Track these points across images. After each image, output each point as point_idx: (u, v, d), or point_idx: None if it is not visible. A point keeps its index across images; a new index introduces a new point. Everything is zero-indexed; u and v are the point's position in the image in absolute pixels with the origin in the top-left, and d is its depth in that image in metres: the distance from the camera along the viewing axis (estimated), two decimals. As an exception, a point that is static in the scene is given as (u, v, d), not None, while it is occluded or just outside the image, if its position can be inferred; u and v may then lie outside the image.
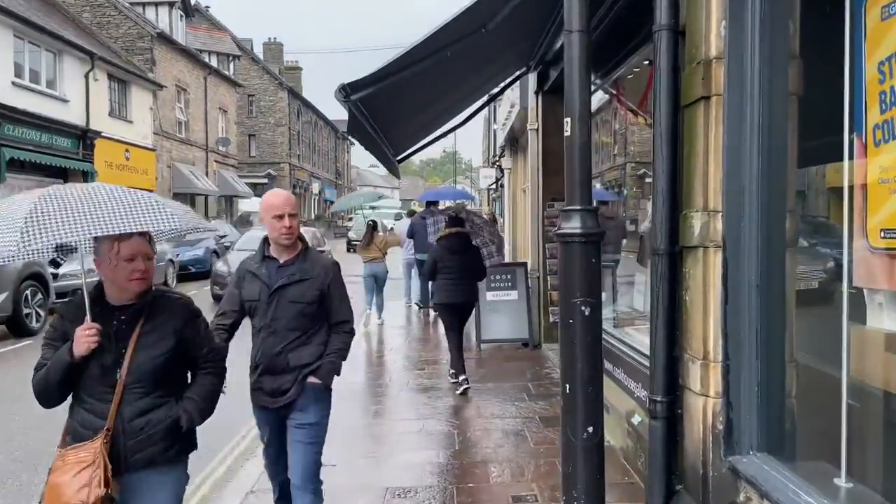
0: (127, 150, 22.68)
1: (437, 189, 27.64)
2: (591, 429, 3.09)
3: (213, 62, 32.76)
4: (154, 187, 24.87)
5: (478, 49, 5.43)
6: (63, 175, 19.36)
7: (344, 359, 3.41)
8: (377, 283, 10.98)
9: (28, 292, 9.40)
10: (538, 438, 5.40)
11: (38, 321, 9.73)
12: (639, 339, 4.81)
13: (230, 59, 35.19)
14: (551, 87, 8.19)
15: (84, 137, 19.76)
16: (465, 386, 6.68)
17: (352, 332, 3.46)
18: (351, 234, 28.25)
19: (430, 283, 7.69)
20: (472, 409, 6.22)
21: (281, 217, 3.22)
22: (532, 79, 8.94)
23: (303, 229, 3.98)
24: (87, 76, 19.99)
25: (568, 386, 3.15)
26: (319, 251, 3.96)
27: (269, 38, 54.25)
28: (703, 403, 3.03)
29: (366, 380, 7.56)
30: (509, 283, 9.16)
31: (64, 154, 18.74)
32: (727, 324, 2.87)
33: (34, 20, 17.18)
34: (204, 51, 32.54)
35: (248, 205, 35.16)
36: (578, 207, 3.35)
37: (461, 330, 7.05)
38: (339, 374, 3.40)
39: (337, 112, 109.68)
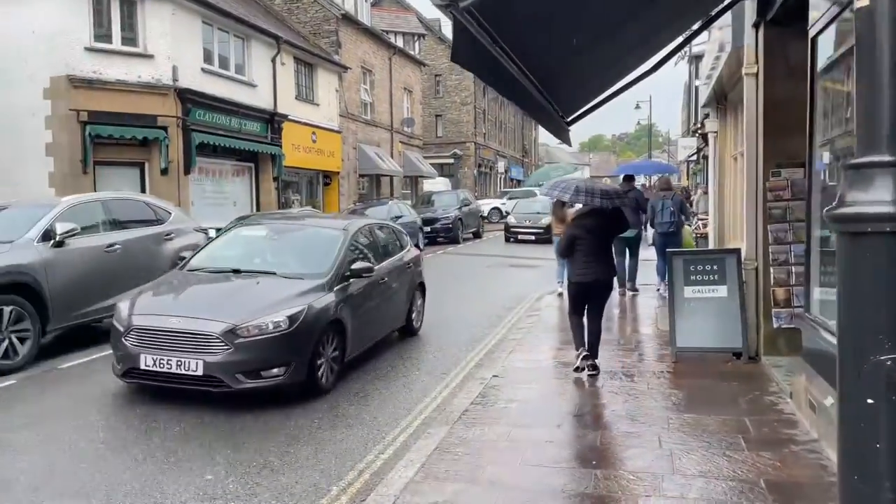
0: (313, 133, 23.08)
1: (634, 163, 25.02)
2: None
3: (399, 43, 32.79)
4: (340, 169, 25.25)
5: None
6: (253, 159, 20.01)
7: None
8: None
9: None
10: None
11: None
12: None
13: (415, 38, 35.06)
14: (780, 12, 6.01)
15: (272, 121, 20.22)
16: (585, 366, 6.52)
17: None
18: (510, 220, 23.83)
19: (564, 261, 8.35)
20: (662, 461, 4.47)
21: None
22: (749, 7, 6.76)
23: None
24: (273, 60, 20.41)
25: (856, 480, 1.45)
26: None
27: (457, 17, 53.96)
28: None
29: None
30: (715, 276, 7.12)
31: (253, 138, 19.27)
32: None
33: (221, 6, 17.64)
34: (389, 31, 32.67)
35: (432, 185, 35.04)
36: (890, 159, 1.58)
37: (598, 315, 6.71)
38: None
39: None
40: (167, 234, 8.87)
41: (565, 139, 6.74)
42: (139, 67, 15.62)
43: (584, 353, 6.51)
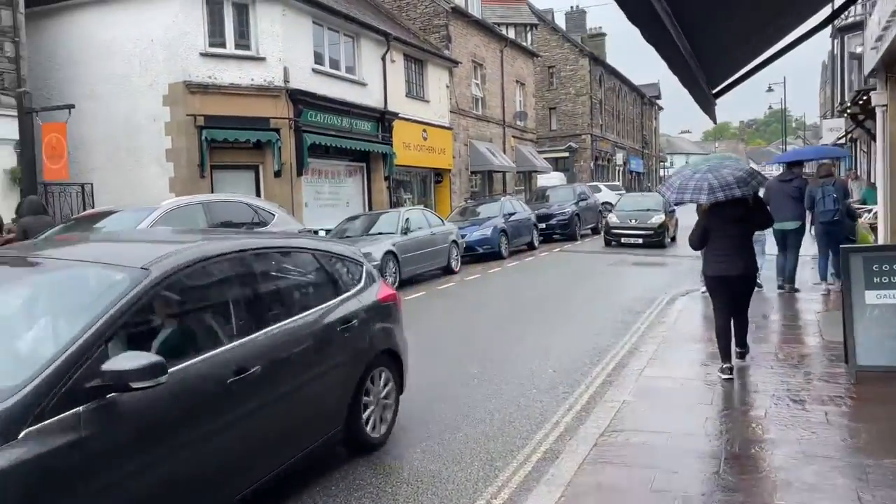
0: (424, 130, 22.66)
1: (800, 149, 22.51)
2: None
3: (510, 35, 31.83)
4: (451, 166, 24.70)
5: None
6: (364, 158, 19.82)
7: None
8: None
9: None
10: None
11: None
12: None
13: (527, 28, 33.95)
14: None
15: (382, 120, 19.94)
16: (728, 376, 6.01)
17: None
18: (612, 218, 19.40)
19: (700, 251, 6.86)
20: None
21: None
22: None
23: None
24: (383, 58, 20.12)
25: None
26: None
27: (571, 7, 52.24)
28: None
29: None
30: (907, 278, 5.73)
31: (364, 137, 19.05)
32: None
33: (331, 5, 17.49)
34: (500, 24, 31.79)
35: (546, 180, 33.82)
36: None
37: (743, 311, 6.31)
38: None
39: (644, 76, 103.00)
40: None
41: (711, 114, 5.62)
42: (252, 70, 15.69)
43: (729, 375, 6.02)
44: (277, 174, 15.88)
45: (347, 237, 12.83)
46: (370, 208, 19.64)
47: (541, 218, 21.19)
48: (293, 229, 8.98)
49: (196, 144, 14.91)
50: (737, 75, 5.26)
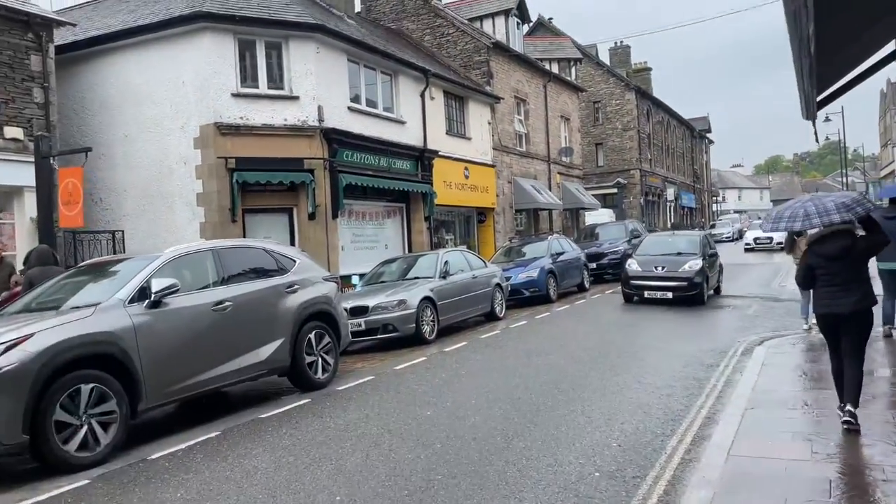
0: (466, 168, 21.83)
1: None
2: None
3: (554, 69, 31.09)
4: (494, 205, 23.76)
5: None
6: (404, 198, 19.03)
7: None
8: None
9: (312, 336, 7.79)
10: None
11: (324, 371, 8.07)
12: None
13: (571, 63, 33.17)
14: None
15: (422, 158, 19.20)
16: (848, 419, 5.38)
17: None
18: (632, 266, 15.13)
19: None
20: None
21: None
22: None
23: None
24: (422, 95, 19.48)
25: None
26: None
27: (616, 43, 51.44)
28: None
29: None
30: None
31: (403, 177, 18.29)
32: None
33: (367, 41, 16.95)
34: (543, 59, 31.10)
35: (595, 217, 32.57)
36: None
37: (856, 355, 5.59)
38: None
39: (691, 110, 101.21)
40: (289, 286, 7.59)
41: (812, 119, 4.53)
42: (285, 110, 15.14)
43: (847, 417, 5.42)
44: (312, 216, 15.16)
45: (381, 282, 11.90)
46: (410, 250, 18.78)
47: (591, 257, 19.98)
48: (315, 276, 8.07)
49: (227, 187, 14.33)
50: (848, 78, 4.19)
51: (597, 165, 42.31)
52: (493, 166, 23.72)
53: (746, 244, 32.52)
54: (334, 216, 15.72)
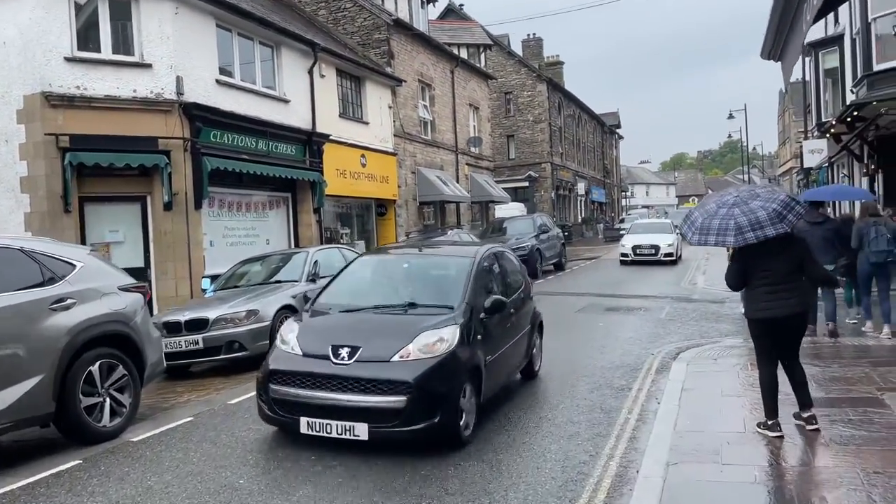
0: (363, 156, 19.86)
1: (822, 188, 19.99)
2: None
3: (462, 55, 29.50)
4: (396, 196, 21.93)
5: None
6: (290, 187, 16.89)
7: None
8: None
9: (95, 368, 5.71)
10: None
11: (114, 416, 5.83)
12: None
13: (481, 50, 31.71)
14: None
15: (310, 142, 17.10)
16: (779, 433, 5.14)
17: None
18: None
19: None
20: None
21: None
22: None
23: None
24: (310, 72, 17.36)
25: None
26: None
27: (528, 35, 50.45)
28: None
29: None
30: None
31: (287, 163, 16.12)
32: None
33: (241, 6, 14.70)
34: (451, 44, 29.47)
35: (506, 210, 31.27)
36: None
37: (794, 357, 5.37)
38: None
39: (603, 105, 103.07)
40: (58, 301, 5.47)
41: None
42: (135, 79, 12.73)
43: (779, 432, 5.17)
44: (168, 206, 12.83)
45: (237, 287, 9.80)
46: (296, 245, 16.69)
47: (496, 254, 18.46)
48: (107, 286, 5.94)
49: (59, 170, 11.82)
50: None
51: (508, 158, 41.19)
52: (394, 154, 21.86)
53: (623, 254, 22.52)
54: (197, 206, 13.44)
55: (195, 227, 13.43)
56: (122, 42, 12.84)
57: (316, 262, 9.86)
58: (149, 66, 12.83)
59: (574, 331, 10.83)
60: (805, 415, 5.34)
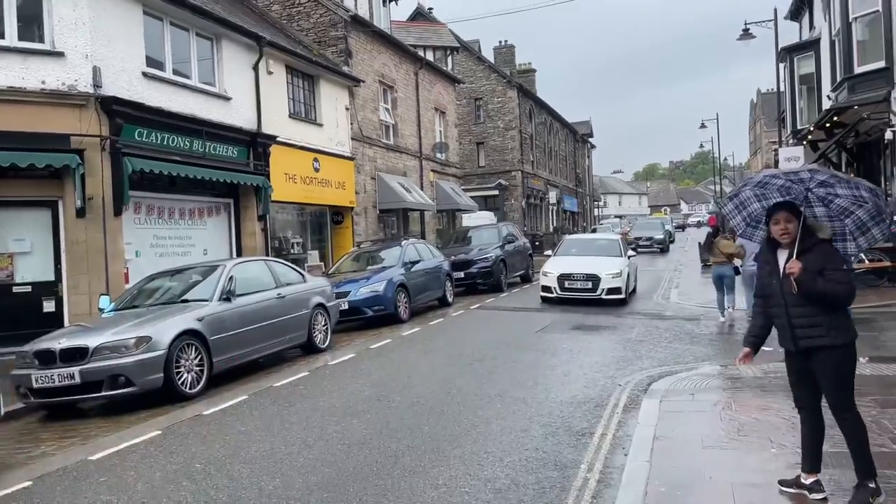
0: (316, 160, 18.51)
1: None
2: None
3: (430, 57, 28.35)
4: (354, 203, 20.60)
5: None
6: (232, 192, 15.49)
7: None
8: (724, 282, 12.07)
9: None
10: None
11: None
12: None
13: (448, 52, 30.60)
14: None
15: (255, 144, 15.72)
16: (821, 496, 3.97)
17: None
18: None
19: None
20: None
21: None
22: None
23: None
24: (255, 68, 16.00)
25: None
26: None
27: (500, 42, 49.53)
28: None
29: None
30: None
31: (229, 166, 14.73)
32: None
33: (173, -7, 13.32)
34: (418, 46, 28.32)
35: (476, 219, 30.05)
36: None
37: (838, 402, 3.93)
38: None
39: (575, 114, 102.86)
40: None
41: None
42: (42, 69, 11.28)
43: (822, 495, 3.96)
44: (81, 213, 11.37)
45: (134, 307, 8.36)
46: (239, 255, 15.26)
47: (458, 265, 17.26)
48: None
49: (-52, 171, 10.33)
50: None
51: (478, 166, 40.08)
52: (352, 159, 20.55)
53: (545, 288, 15.09)
54: (117, 212, 12.00)
55: (114, 236, 11.97)
56: (30, 28, 11.39)
57: (231, 278, 8.47)
58: (60, 54, 11.39)
59: (534, 354, 9.59)
60: (806, 482, 4.15)
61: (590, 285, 14.36)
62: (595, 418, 6.37)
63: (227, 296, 8.23)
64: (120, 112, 11.96)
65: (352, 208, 20.61)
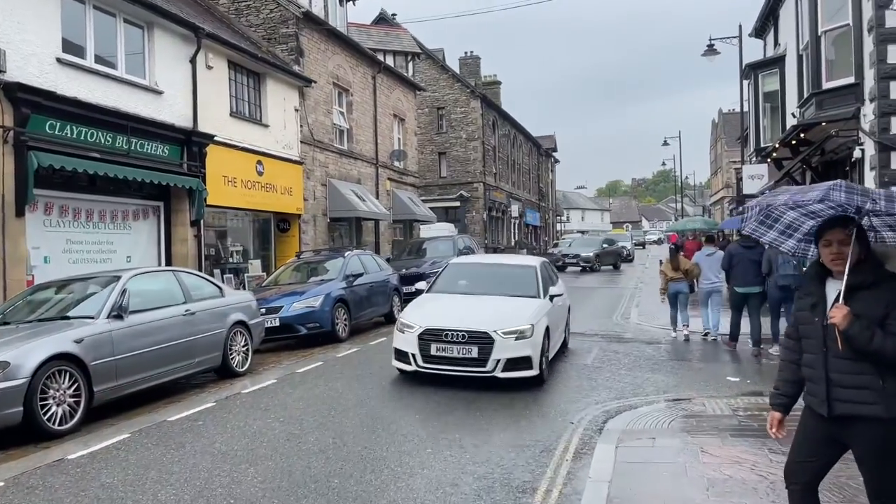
0: (259, 162, 17.31)
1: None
2: None
3: (390, 62, 27.37)
4: (301, 210, 19.41)
5: None
6: (163, 195, 14.23)
7: None
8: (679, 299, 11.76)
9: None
10: None
11: None
12: None
13: (408, 58, 29.66)
14: None
15: (189, 143, 14.48)
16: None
17: None
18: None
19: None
20: None
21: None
22: None
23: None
24: (192, 61, 14.79)
25: None
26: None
27: (466, 53, 48.83)
28: None
29: None
30: None
31: (158, 165, 13.48)
32: None
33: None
34: (378, 49, 27.33)
35: (436, 231, 29.01)
36: None
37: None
38: None
39: (540, 128, 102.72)
40: None
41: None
42: (-67, 48, 9.96)
43: None
44: (-26, 212, 10.04)
45: (5, 324, 7.09)
46: (168, 263, 14.01)
47: (408, 279, 16.21)
48: None
49: None
50: None
51: (440, 176, 39.16)
52: (300, 163, 19.38)
53: (399, 353, 8.51)
54: (19, 213, 10.66)
55: (15, 240, 10.63)
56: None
57: (125, 291, 7.25)
58: (-45, 32, 10.09)
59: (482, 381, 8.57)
60: None
61: (474, 353, 7.84)
62: (541, 468, 5.38)
63: (119, 312, 7.02)
64: (27, 100, 10.65)
65: (299, 216, 19.42)
